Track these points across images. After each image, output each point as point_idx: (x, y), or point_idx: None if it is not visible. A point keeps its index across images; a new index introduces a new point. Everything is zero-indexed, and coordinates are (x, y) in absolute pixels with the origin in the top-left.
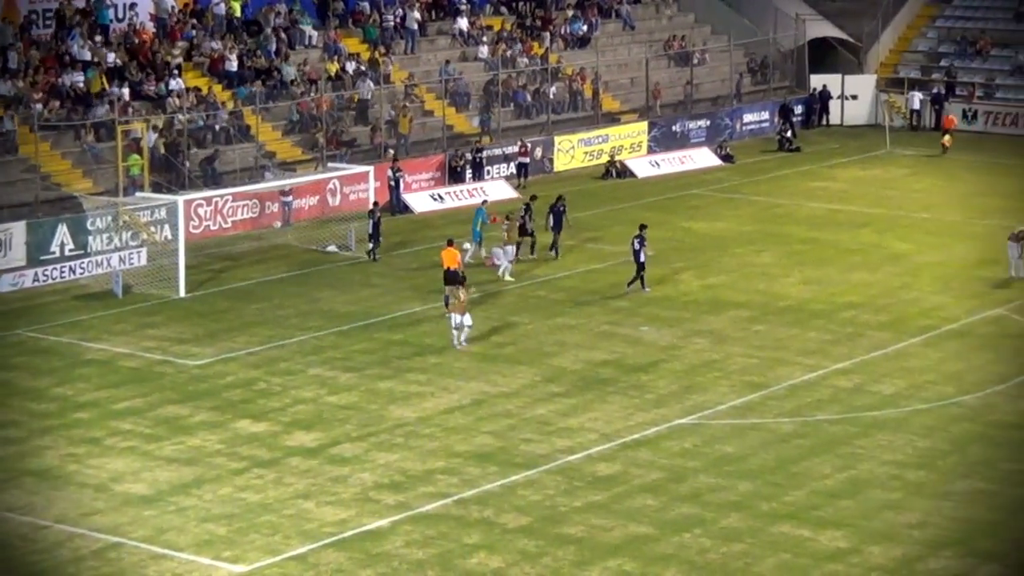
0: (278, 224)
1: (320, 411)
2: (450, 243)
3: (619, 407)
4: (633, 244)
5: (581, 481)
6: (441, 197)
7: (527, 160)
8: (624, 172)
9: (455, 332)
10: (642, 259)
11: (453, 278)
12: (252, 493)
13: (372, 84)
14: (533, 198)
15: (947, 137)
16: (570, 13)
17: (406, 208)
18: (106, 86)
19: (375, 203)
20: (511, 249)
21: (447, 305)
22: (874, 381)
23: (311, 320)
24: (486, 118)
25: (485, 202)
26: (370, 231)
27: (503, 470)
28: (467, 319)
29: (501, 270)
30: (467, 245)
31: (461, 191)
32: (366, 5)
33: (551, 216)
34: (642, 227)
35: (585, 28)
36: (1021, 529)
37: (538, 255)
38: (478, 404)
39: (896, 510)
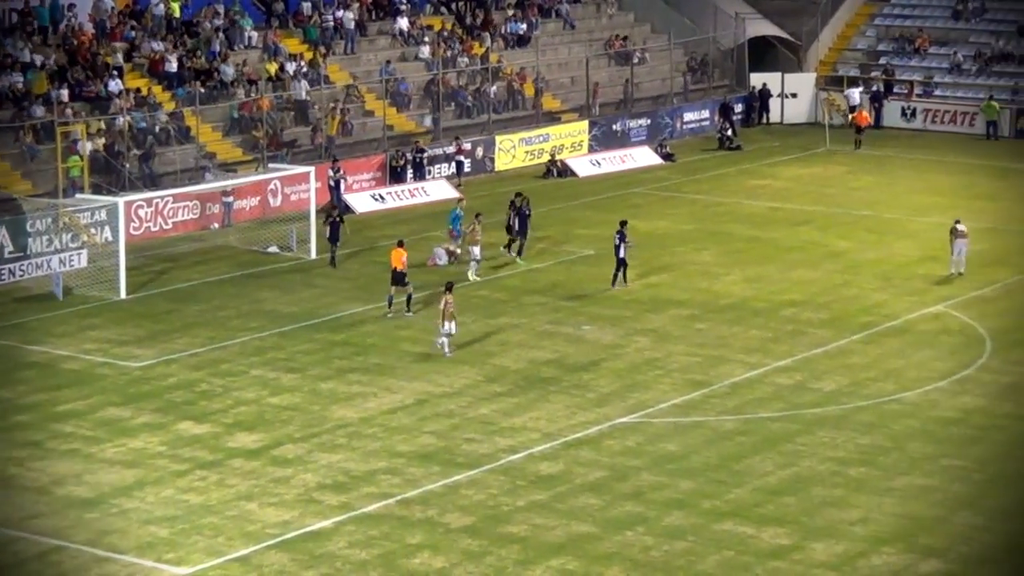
0: (216, 226)
1: (262, 412)
2: (400, 244)
3: (561, 406)
4: (614, 239)
5: (524, 480)
6: (382, 197)
7: (463, 158)
8: (565, 171)
9: (446, 340)
10: (622, 255)
11: (399, 279)
12: (195, 495)
13: (307, 85)
14: (518, 195)
15: (859, 136)
16: (510, 13)
17: (347, 208)
18: (50, 87)
19: (333, 206)
20: (477, 250)
21: (390, 305)
22: (815, 378)
23: (253, 321)
24: (438, 117)
25: (461, 201)
26: (328, 235)
27: (446, 470)
28: (452, 327)
29: (469, 270)
30: (447, 246)
31: (402, 191)
32: (307, 5)
33: (516, 218)
34: (622, 223)
35: (525, 28)
36: (962, 524)
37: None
38: (421, 404)
39: (838, 507)
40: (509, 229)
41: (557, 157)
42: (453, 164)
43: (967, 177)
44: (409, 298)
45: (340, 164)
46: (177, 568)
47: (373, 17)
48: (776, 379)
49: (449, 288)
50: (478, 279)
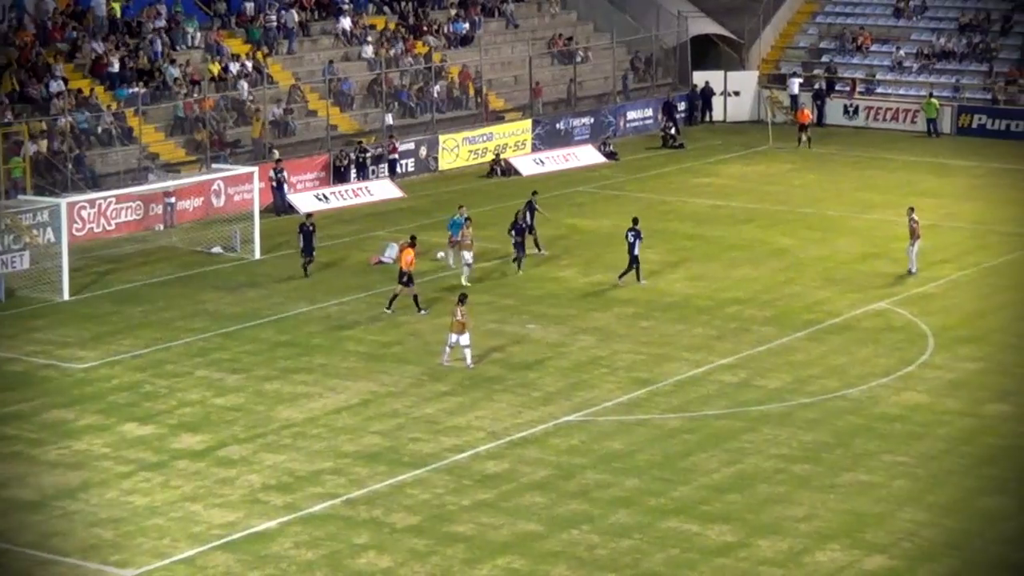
0: (160, 227)
1: (207, 413)
2: (411, 244)
3: (506, 405)
4: (627, 237)
5: (469, 479)
6: (326, 197)
7: (396, 157)
8: (509, 170)
9: (448, 350)
10: (636, 252)
11: (406, 279)
12: (139, 496)
13: (247, 85)
14: (534, 193)
15: (802, 134)
16: (453, 12)
17: (291, 208)
18: None
19: (308, 214)
20: (468, 255)
21: (390, 304)
22: (759, 376)
23: (197, 322)
24: (396, 114)
25: (462, 207)
26: (301, 244)
27: (391, 469)
28: (464, 338)
29: (462, 276)
30: (440, 254)
31: (346, 191)
32: (249, 6)
33: (526, 212)
34: (635, 220)
35: (468, 27)
36: (906, 520)
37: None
38: (365, 404)
39: (782, 503)
40: (529, 228)
41: (501, 156)
42: (385, 164)
43: (909, 174)
44: (416, 298)
45: (283, 164)
46: (122, 570)
47: (316, 17)
48: (720, 377)
49: (462, 300)
50: (468, 285)
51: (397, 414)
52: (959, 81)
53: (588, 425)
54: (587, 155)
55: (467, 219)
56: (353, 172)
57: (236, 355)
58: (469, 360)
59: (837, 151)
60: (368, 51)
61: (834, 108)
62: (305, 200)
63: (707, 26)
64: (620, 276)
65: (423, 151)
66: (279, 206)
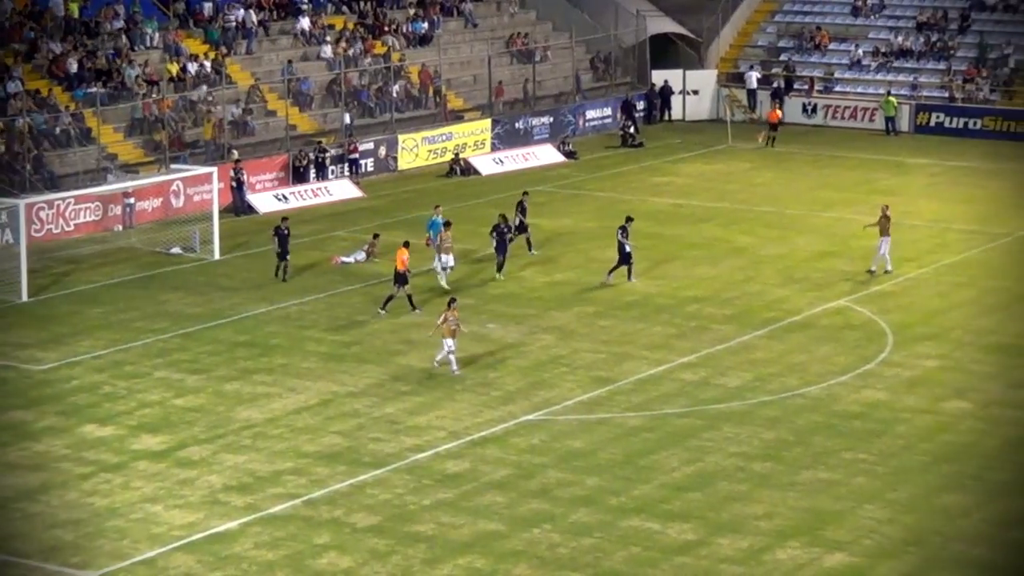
0: (119, 227)
1: (167, 414)
2: (405, 244)
3: (467, 404)
4: (618, 235)
5: (430, 479)
6: (285, 197)
7: (356, 157)
8: (468, 170)
9: (449, 352)
10: (627, 249)
11: (401, 279)
12: (99, 498)
13: (205, 87)
14: (525, 194)
15: (763, 134)
16: (412, 12)
17: (250, 209)
18: None
19: (284, 217)
20: (449, 258)
21: (384, 305)
22: (719, 374)
23: (156, 322)
24: (352, 116)
25: (438, 207)
26: (276, 248)
27: (352, 469)
28: (451, 343)
29: (440, 278)
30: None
31: (305, 191)
32: (207, 6)
33: (519, 215)
34: (628, 219)
35: (427, 26)
36: (866, 518)
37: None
38: (326, 404)
39: (743, 502)
40: (515, 228)
41: (460, 156)
42: (345, 164)
43: (867, 173)
44: (410, 297)
45: (243, 164)
46: (82, 572)
47: (275, 17)
48: (680, 375)
49: (451, 304)
50: (448, 287)
51: (357, 414)
52: (917, 79)
53: (548, 424)
54: (546, 154)
55: (447, 222)
56: (312, 172)
57: (196, 356)
58: (449, 364)
59: (796, 150)
60: (327, 51)
61: (793, 107)
62: (264, 200)
63: (666, 25)
64: (609, 272)
65: (382, 151)
66: (239, 206)
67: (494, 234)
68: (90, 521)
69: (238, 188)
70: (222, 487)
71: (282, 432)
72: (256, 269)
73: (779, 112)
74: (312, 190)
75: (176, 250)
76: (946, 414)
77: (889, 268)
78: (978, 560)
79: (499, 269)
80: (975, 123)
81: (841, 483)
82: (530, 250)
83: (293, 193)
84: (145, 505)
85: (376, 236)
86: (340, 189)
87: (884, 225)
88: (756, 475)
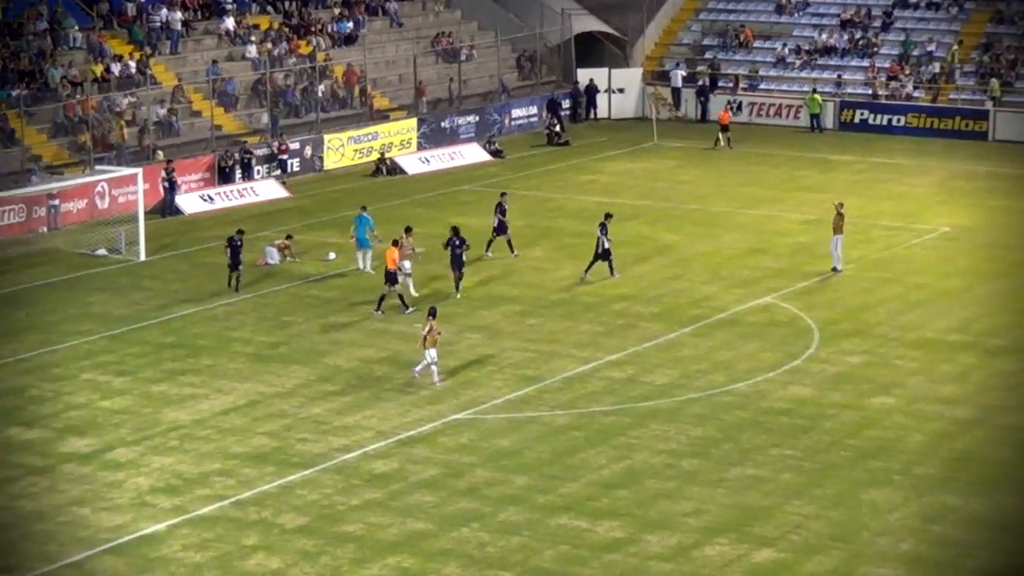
0: (44, 229)
1: (94, 416)
2: (395, 243)
3: (394, 404)
4: (597, 231)
5: (358, 479)
6: (211, 198)
7: (286, 157)
8: (394, 169)
9: (429, 365)
10: (606, 246)
11: (391, 279)
12: (26, 501)
13: (134, 86)
14: (503, 195)
15: (721, 135)
16: (337, 11)
17: (176, 210)
18: None
19: (240, 230)
20: (408, 264)
21: (379, 305)
22: (647, 372)
23: (82, 324)
24: (277, 115)
25: (365, 208)
26: (229, 259)
27: (280, 470)
28: (433, 353)
29: (410, 287)
30: (332, 255)
31: (231, 191)
32: (131, 6)
33: (498, 216)
34: (607, 215)
35: (352, 26)
36: (793, 513)
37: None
38: (253, 405)
39: (671, 499)
40: (494, 229)
41: (386, 155)
42: (277, 163)
43: (792, 170)
44: (401, 297)
45: (174, 165)
46: None
47: (199, 17)
48: (608, 373)
49: (432, 313)
50: (415, 294)
51: (285, 414)
52: (841, 77)
53: (477, 423)
54: (472, 153)
55: (408, 228)
56: (238, 172)
57: (122, 357)
58: (435, 376)
59: (722, 147)
60: (252, 51)
61: (718, 104)
62: (190, 201)
63: (591, 23)
64: (586, 270)
65: (308, 151)
66: (168, 207)
67: (447, 249)
68: (17, 524)
69: (170, 189)
70: (149, 489)
71: (210, 433)
72: (182, 270)
73: (729, 113)
74: (238, 190)
75: (102, 252)
76: (872, 410)
77: (839, 267)
78: (905, 555)
79: (456, 287)
80: (899, 120)
81: (768, 479)
82: (512, 252)
83: (219, 194)
84: (72, 508)
85: (290, 237)
86: (266, 189)
87: (837, 223)
88: (684, 472)
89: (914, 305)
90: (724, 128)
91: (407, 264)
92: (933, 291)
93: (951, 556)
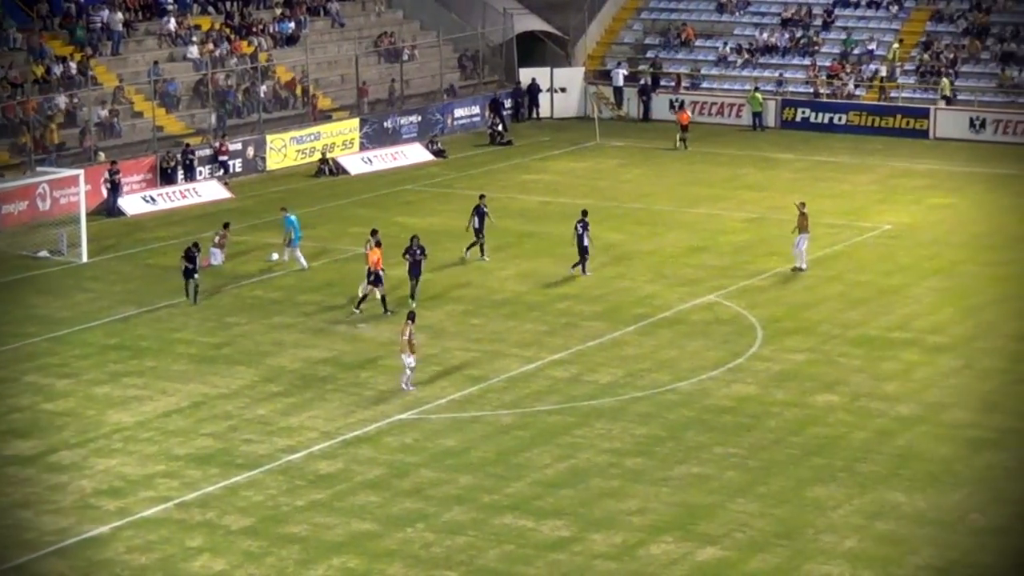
0: None
1: (36, 418)
2: (378, 244)
3: (339, 404)
4: (576, 229)
5: (303, 480)
6: (153, 199)
7: (226, 158)
8: (337, 170)
9: (409, 372)
10: (585, 243)
11: (375, 279)
12: None
13: (75, 87)
14: (482, 197)
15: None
16: (278, 11)
17: (119, 211)
18: None
19: (195, 243)
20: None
21: (358, 304)
22: (591, 371)
23: (25, 327)
24: (223, 115)
25: (285, 209)
26: (182, 270)
27: (224, 471)
28: (412, 360)
29: (377, 291)
30: (275, 255)
31: (173, 192)
32: (71, 7)
33: (475, 217)
34: (584, 212)
35: (294, 26)
36: (737, 511)
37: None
38: (197, 406)
39: (616, 497)
40: (476, 232)
41: (328, 156)
42: (219, 164)
43: (735, 168)
44: (383, 298)
45: (118, 166)
46: None
47: (140, 18)
48: (552, 372)
49: (411, 317)
50: (392, 312)
51: (229, 416)
52: (783, 75)
53: (421, 423)
54: (415, 153)
55: (374, 231)
56: (180, 173)
57: (65, 359)
58: (408, 382)
59: (664, 146)
60: (193, 51)
61: (660, 103)
62: (132, 202)
63: (533, 23)
64: (572, 266)
65: (250, 151)
66: (111, 208)
67: (406, 256)
68: None
69: (113, 190)
70: (93, 491)
71: (153, 435)
72: (125, 271)
73: (688, 114)
74: (180, 191)
75: (43, 253)
76: (815, 407)
77: (803, 266)
78: (849, 552)
79: (411, 295)
80: (840, 118)
81: (713, 477)
82: (482, 256)
83: (161, 195)
84: (15, 511)
85: (227, 226)
86: (208, 190)
87: (802, 222)
88: (628, 471)
89: (857, 303)
90: (684, 128)
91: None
92: (875, 289)
93: (895, 553)
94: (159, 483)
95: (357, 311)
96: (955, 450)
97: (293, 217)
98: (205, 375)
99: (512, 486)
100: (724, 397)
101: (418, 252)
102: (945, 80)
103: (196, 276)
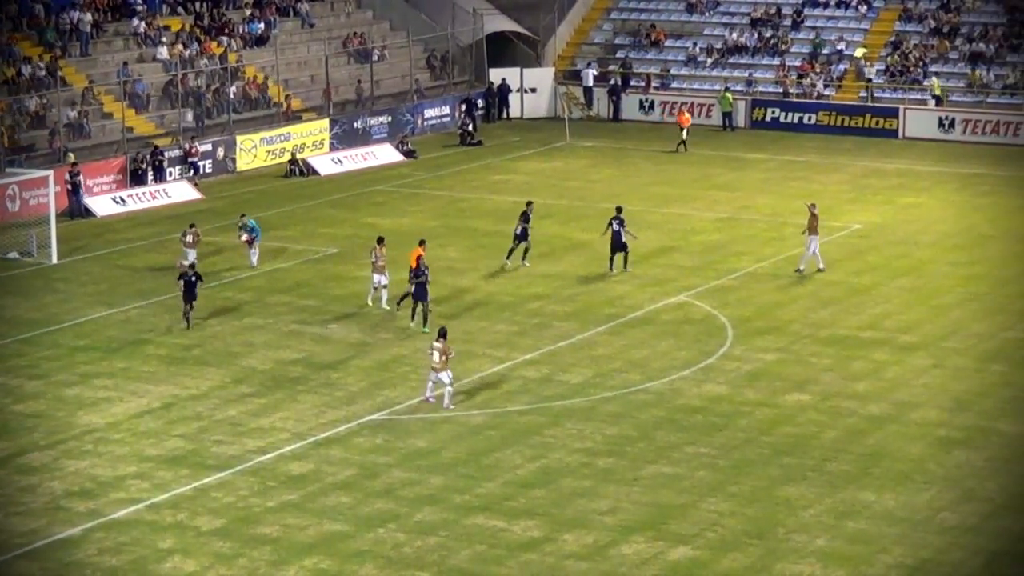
0: None
1: (6, 420)
2: (421, 243)
3: (310, 405)
4: (612, 225)
5: (274, 481)
6: (123, 200)
7: (196, 159)
8: (307, 170)
9: (432, 385)
10: (623, 239)
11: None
12: None
13: (44, 88)
14: (529, 203)
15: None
16: (248, 12)
17: (87, 212)
18: None
19: (192, 264)
20: (381, 278)
21: (400, 303)
22: (562, 371)
23: None
24: (200, 114)
25: (244, 215)
26: (182, 291)
27: (195, 473)
28: (447, 376)
29: (379, 298)
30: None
31: (143, 193)
32: (40, 7)
33: (520, 223)
34: (619, 209)
35: (263, 27)
36: (709, 511)
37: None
38: (168, 407)
39: (587, 497)
40: (516, 237)
41: (298, 156)
42: (189, 165)
43: (705, 168)
44: (405, 296)
45: (79, 167)
46: None
47: (109, 18)
48: (523, 372)
49: (443, 334)
50: (387, 308)
51: (200, 417)
52: (752, 75)
53: (392, 424)
54: (385, 154)
55: (380, 239)
56: (150, 174)
57: (35, 361)
58: (448, 400)
59: (633, 146)
60: (163, 52)
61: (630, 103)
62: (102, 203)
63: (502, 23)
64: (611, 267)
65: (220, 152)
66: (75, 209)
67: (412, 275)
68: None
69: (74, 191)
70: (64, 493)
71: (124, 436)
72: (95, 272)
73: (688, 117)
74: (150, 192)
75: (13, 255)
76: (786, 407)
77: (822, 267)
78: (819, 551)
79: (424, 320)
80: (810, 118)
81: (684, 477)
82: (524, 260)
83: (131, 196)
84: None
85: (192, 226)
86: (178, 191)
87: (812, 224)
88: (600, 471)
89: (827, 302)
90: (684, 130)
91: (382, 277)
92: (845, 288)
93: (865, 552)
94: (130, 484)
95: (398, 309)
96: (925, 449)
97: (253, 222)
98: (175, 376)
99: (483, 486)
100: (695, 397)
101: (423, 272)
102: (935, 79)
103: (195, 303)
